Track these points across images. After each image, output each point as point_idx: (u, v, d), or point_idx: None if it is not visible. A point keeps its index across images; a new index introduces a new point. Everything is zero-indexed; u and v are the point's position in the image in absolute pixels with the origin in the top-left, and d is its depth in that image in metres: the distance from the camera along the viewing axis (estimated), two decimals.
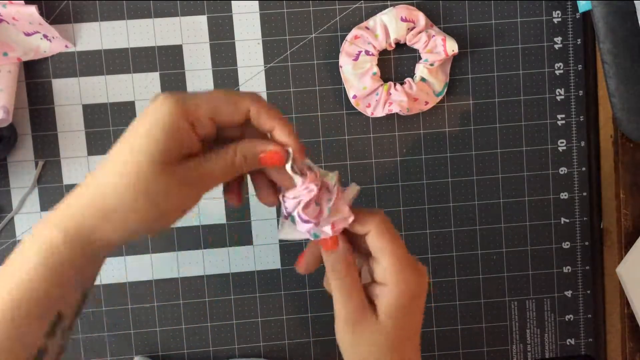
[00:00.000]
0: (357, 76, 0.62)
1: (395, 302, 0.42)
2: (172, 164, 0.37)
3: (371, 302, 0.43)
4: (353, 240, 0.44)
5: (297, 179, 0.40)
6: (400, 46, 0.63)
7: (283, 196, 0.42)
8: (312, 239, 0.42)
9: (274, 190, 0.42)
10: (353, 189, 0.43)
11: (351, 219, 0.42)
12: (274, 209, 0.64)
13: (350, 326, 0.43)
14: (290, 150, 0.40)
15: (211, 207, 0.64)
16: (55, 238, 0.37)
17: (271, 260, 0.65)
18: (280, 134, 0.40)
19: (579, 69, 0.64)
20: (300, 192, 0.41)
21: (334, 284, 0.43)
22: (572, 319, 0.67)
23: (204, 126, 0.38)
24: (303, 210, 0.41)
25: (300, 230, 0.42)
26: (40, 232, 0.38)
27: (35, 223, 0.63)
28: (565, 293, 0.66)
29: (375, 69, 0.62)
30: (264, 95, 0.63)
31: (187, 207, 0.39)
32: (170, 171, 0.37)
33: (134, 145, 0.37)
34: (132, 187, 0.37)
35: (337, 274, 0.43)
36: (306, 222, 0.41)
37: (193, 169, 0.38)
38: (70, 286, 0.38)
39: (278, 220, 0.64)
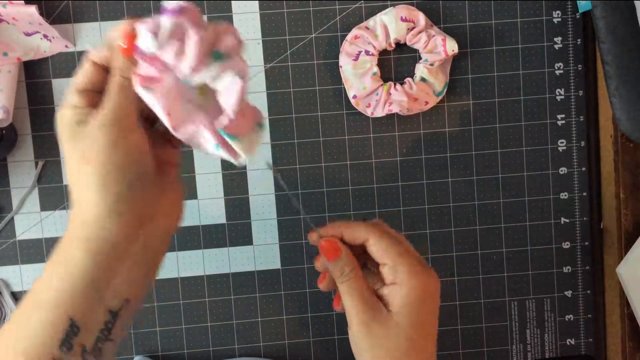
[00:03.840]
0: (357, 76, 0.61)
1: (407, 296, 0.42)
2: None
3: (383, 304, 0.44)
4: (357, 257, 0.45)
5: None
6: (400, 46, 0.63)
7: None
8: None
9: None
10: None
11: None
12: (274, 208, 0.64)
13: (365, 327, 0.42)
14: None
15: (211, 207, 0.64)
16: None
17: (271, 260, 0.65)
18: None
19: (579, 69, 0.64)
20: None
21: (344, 289, 0.43)
22: (572, 319, 0.67)
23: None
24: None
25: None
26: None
27: (35, 224, 0.63)
28: (565, 293, 0.66)
29: (375, 69, 0.62)
30: (264, 95, 0.63)
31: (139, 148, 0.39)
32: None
33: None
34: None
35: (344, 277, 0.43)
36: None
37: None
38: (89, 295, 0.37)
39: (278, 220, 0.64)
